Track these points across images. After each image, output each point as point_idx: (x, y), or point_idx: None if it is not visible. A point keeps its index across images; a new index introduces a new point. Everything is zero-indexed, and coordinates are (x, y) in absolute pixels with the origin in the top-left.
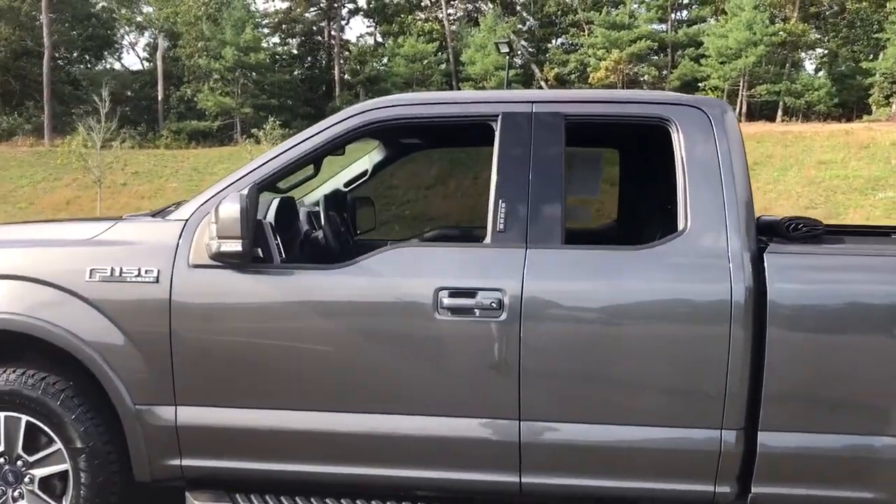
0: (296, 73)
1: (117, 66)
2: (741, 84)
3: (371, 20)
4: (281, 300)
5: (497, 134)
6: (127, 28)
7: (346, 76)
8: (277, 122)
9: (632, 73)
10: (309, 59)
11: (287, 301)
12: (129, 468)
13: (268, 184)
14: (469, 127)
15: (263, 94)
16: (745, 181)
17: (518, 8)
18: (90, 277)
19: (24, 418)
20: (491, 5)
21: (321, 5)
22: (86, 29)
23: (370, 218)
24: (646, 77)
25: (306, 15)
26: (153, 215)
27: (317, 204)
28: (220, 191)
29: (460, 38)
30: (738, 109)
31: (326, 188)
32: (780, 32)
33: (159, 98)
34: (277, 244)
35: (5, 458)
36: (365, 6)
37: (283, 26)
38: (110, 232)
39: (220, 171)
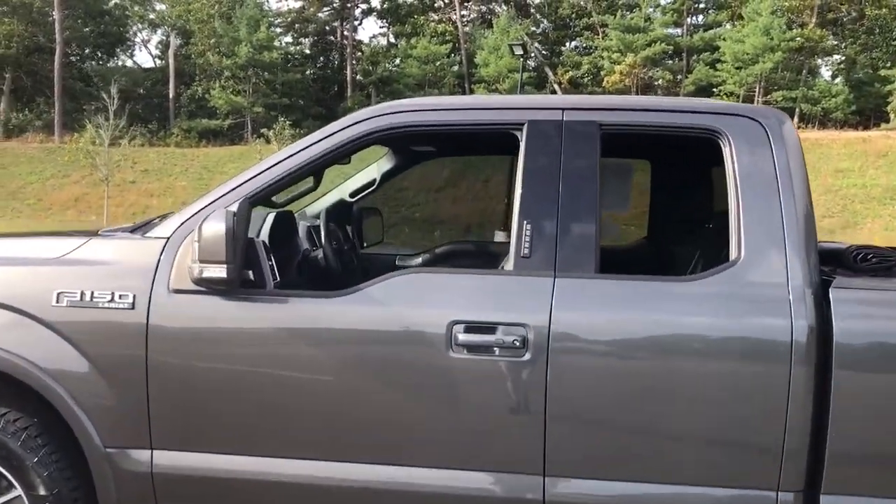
0: (308, 72)
1: (129, 63)
2: (757, 90)
3: (384, 21)
4: (273, 332)
5: (522, 144)
6: (140, 25)
7: (358, 77)
8: (287, 122)
9: (646, 78)
10: (321, 58)
11: (280, 333)
12: None
13: (262, 198)
14: (489, 136)
15: (275, 93)
16: (807, 203)
17: (532, 10)
18: (57, 302)
19: None
20: (505, 7)
21: (334, 5)
22: (98, 26)
23: (378, 230)
24: (660, 81)
25: (319, 15)
26: (132, 230)
27: (318, 217)
28: (207, 205)
29: (473, 40)
30: None
31: (329, 199)
32: (798, 38)
33: (170, 96)
34: (271, 266)
35: None
36: (378, 6)
37: (296, 26)
38: (82, 250)
39: (230, 171)
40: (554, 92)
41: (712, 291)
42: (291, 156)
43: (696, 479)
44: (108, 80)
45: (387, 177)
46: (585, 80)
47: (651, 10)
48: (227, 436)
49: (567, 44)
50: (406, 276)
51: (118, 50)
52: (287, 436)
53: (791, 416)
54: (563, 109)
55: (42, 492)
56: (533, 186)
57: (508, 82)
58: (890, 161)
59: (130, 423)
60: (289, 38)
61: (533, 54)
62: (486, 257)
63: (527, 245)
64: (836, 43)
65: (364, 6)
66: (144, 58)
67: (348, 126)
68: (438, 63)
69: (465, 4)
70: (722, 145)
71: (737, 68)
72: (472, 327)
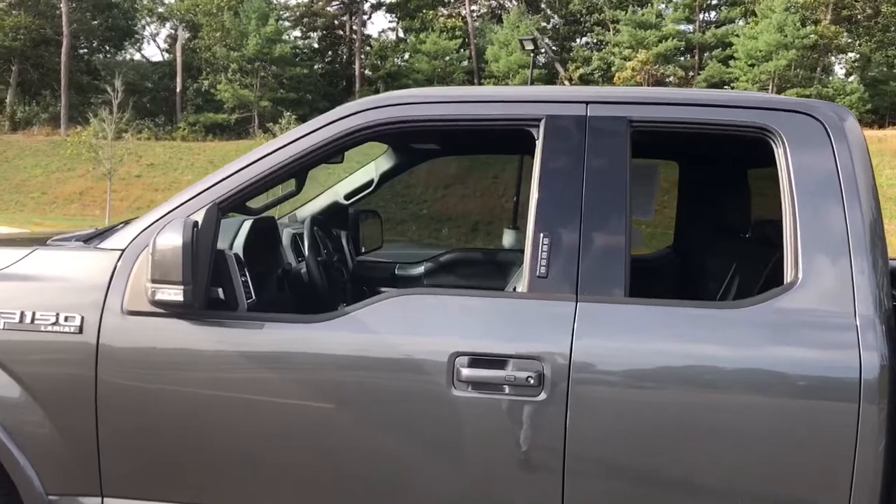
0: (316, 67)
1: (137, 57)
2: (770, 87)
3: (393, 15)
4: (244, 364)
5: (539, 143)
6: (148, 19)
7: (366, 72)
8: (294, 117)
9: (658, 74)
10: (329, 53)
11: (252, 366)
12: None
13: (234, 203)
14: (500, 133)
15: (282, 87)
16: (876, 214)
17: (542, 5)
18: None
19: None
20: (515, 2)
21: None
22: (106, 19)
23: (377, 234)
24: (672, 78)
25: (328, 9)
26: (88, 239)
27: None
28: (169, 212)
29: (483, 35)
30: None
31: (321, 203)
32: (812, 35)
33: (178, 90)
34: (245, 282)
35: None
36: (387, 1)
37: (305, 20)
38: (24, 263)
39: None
40: None
41: (766, 320)
42: (270, 154)
43: None
44: (116, 74)
45: (386, 177)
46: (596, 76)
47: (663, 6)
48: (189, 483)
49: (577, 39)
50: (400, 298)
51: (126, 43)
52: (258, 485)
53: (859, 465)
54: (587, 103)
55: None
56: (551, 193)
57: (518, 78)
58: None
59: (77, 467)
60: (297, 33)
61: (543, 50)
62: (493, 267)
63: (544, 262)
64: (850, 40)
65: (373, 0)
66: (153, 51)
67: (337, 120)
68: (448, 58)
69: None
70: (774, 146)
71: (750, 65)
72: (477, 360)
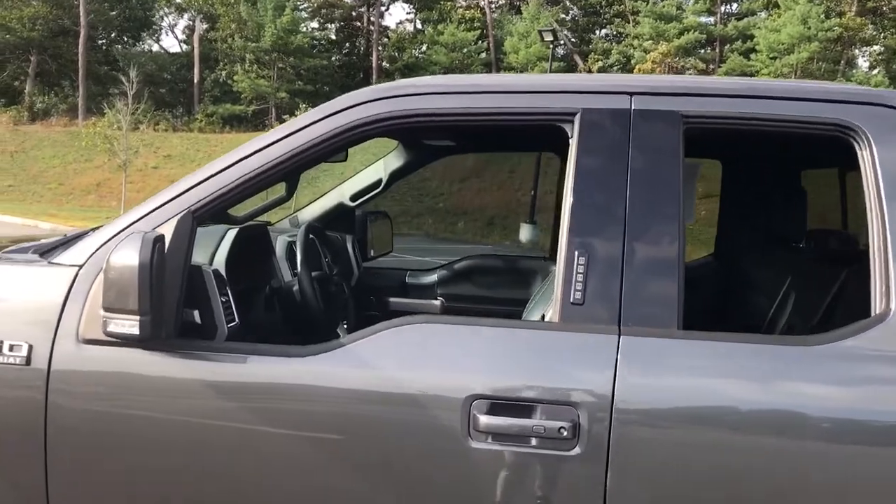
0: (333, 58)
1: (155, 47)
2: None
3: (411, 6)
4: (219, 405)
5: (573, 141)
6: (166, 9)
7: (384, 63)
8: (310, 108)
9: (678, 67)
10: (347, 45)
11: (229, 407)
12: None
13: (213, 211)
14: (527, 128)
15: (300, 79)
16: None
17: None
18: None
19: None
20: None
21: None
22: (124, 10)
23: (387, 238)
24: (691, 71)
25: (346, 0)
26: (41, 253)
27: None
28: (131, 223)
29: (502, 27)
30: None
31: (324, 205)
32: (836, 28)
33: (195, 81)
34: (227, 303)
35: None
36: None
37: (322, 11)
38: None
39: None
40: None
41: (856, 358)
42: (255, 154)
43: None
44: (132, 65)
45: (395, 176)
46: (615, 69)
47: None
48: None
49: (597, 31)
50: (406, 328)
51: (144, 34)
52: None
53: None
54: (631, 94)
55: None
56: (588, 202)
57: (538, 70)
58: None
59: None
60: (314, 24)
61: (562, 42)
62: (514, 276)
63: (579, 285)
64: (875, 33)
65: None
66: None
67: (335, 113)
68: (466, 50)
69: None
70: (857, 145)
71: (771, 58)
72: (499, 406)
